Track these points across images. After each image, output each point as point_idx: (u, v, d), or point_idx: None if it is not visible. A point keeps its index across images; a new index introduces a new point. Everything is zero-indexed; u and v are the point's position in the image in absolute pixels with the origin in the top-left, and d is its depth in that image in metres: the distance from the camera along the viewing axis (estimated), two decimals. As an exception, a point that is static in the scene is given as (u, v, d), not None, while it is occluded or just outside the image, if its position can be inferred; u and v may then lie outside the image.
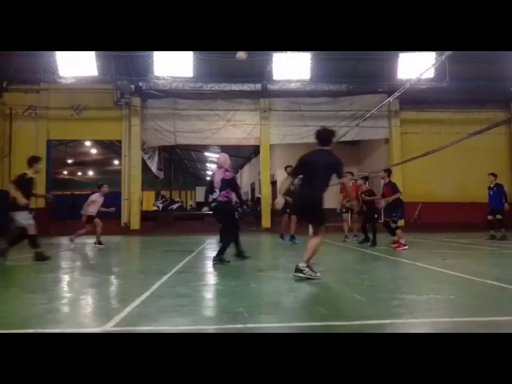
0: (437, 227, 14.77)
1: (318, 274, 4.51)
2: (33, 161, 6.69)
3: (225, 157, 6.70)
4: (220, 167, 6.53)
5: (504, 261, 6.27)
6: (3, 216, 16.47)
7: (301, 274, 4.43)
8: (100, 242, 9.75)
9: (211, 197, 6.35)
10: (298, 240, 9.46)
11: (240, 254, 6.61)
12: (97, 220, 9.76)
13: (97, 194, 9.91)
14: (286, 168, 9.66)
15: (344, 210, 11.37)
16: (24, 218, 6.37)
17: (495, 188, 10.47)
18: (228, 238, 6.40)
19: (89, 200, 9.80)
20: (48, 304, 3.54)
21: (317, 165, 4.68)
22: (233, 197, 6.43)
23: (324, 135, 4.90)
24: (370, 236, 9.06)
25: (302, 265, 4.48)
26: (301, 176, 5.00)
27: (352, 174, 12.13)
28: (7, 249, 6.40)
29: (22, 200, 6.24)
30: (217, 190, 6.23)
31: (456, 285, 4.38)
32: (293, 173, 5.14)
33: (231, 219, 6.42)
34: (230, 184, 6.31)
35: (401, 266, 6.07)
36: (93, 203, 9.73)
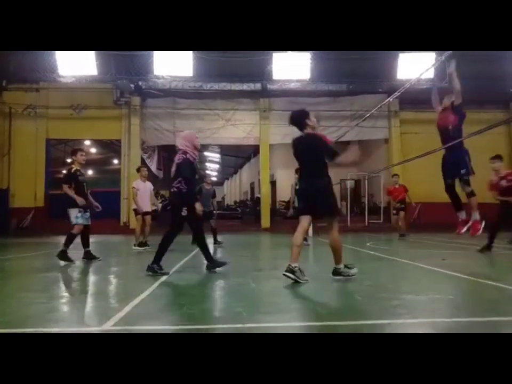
0: (436, 227, 14.78)
1: (354, 270, 4.45)
2: (72, 153, 6.78)
3: (185, 134, 5.36)
4: (178, 148, 5.23)
5: (504, 261, 6.28)
6: (2, 214, 16.46)
7: (339, 277, 4.39)
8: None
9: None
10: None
11: (212, 263, 5.26)
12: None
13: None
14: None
15: (395, 212, 11.66)
16: (74, 217, 6.41)
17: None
18: (166, 241, 5.04)
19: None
20: (48, 303, 3.54)
21: (302, 152, 4.42)
22: (183, 186, 5.02)
23: (296, 118, 4.53)
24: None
25: (338, 266, 4.43)
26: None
27: (397, 175, 12.03)
28: (65, 251, 6.41)
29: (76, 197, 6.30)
30: (175, 181, 5.09)
31: (456, 285, 4.39)
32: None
33: (177, 217, 5.05)
34: (180, 169, 5.02)
35: (400, 266, 6.07)
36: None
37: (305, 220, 4.45)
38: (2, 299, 3.78)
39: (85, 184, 6.71)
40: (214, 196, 10.14)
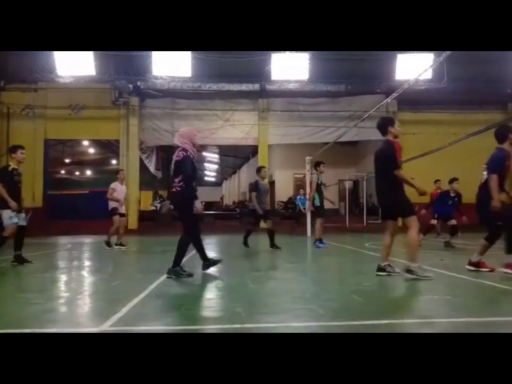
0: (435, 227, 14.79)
1: (429, 274, 4.47)
2: (12, 150, 6.23)
3: (183, 131, 5.13)
4: (177, 145, 5.02)
5: (502, 262, 6.27)
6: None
7: (412, 276, 4.38)
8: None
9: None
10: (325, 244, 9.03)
11: (207, 262, 5.22)
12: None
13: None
14: (317, 165, 9.22)
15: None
16: (7, 217, 5.89)
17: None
18: (184, 242, 4.99)
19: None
20: (45, 303, 3.54)
21: (375, 156, 4.79)
22: (185, 184, 4.84)
23: (381, 123, 4.85)
24: None
25: (412, 265, 4.41)
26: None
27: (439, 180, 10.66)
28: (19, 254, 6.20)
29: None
30: (175, 179, 4.88)
31: (454, 286, 4.39)
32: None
33: (187, 217, 4.94)
34: (181, 166, 4.81)
35: (399, 266, 6.07)
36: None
37: (389, 224, 4.80)
38: (2, 299, 3.77)
39: (20, 185, 6.20)
40: (268, 192, 9.11)
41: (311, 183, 9.80)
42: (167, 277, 4.72)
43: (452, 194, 8.94)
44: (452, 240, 8.68)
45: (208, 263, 5.18)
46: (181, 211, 4.96)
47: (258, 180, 8.37)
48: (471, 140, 6.17)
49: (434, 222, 9.40)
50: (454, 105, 17.22)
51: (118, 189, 9.20)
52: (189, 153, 4.83)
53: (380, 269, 4.78)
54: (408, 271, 4.43)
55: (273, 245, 8.44)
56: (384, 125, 4.77)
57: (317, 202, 9.08)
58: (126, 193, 9.45)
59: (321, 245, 8.85)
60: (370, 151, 19.97)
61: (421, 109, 17.50)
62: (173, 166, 4.90)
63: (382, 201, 4.82)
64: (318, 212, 9.20)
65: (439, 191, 11.34)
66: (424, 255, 7.18)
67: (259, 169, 8.35)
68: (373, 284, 4.43)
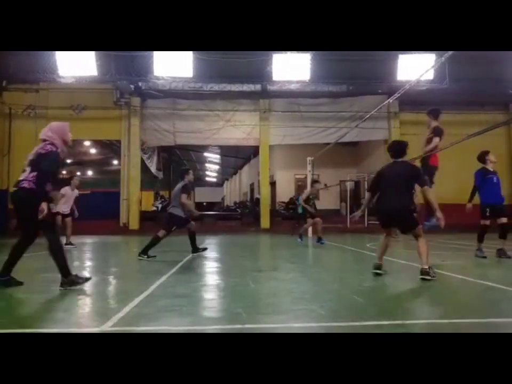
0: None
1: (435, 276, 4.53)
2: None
3: (54, 125, 4.65)
4: (43, 140, 4.33)
5: (503, 263, 6.27)
6: (2, 215, 16.47)
7: (428, 277, 4.43)
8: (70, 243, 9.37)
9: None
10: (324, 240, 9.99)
11: (67, 278, 4.12)
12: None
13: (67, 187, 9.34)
14: (314, 182, 10.79)
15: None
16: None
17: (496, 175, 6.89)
18: (17, 248, 4.14)
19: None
20: (47, 303, 3.54)
21: (397, 176, 4.88)
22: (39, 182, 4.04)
23: (398, 147, 5.16)
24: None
25: (426, 267, 4.50)
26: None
27: None
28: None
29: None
30: (26, 169, 4.16)
31: (454, 286, 4.38)
32: (371, 189, 5.23)
33: (28, 219, 4.09)
34: (44, 160, 4.08)
35: (399, 267, 6.07)
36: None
37: (392, 230, 5.23)
38: (2, 299, 3.77)
39: None
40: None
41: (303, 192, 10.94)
42: (60, 289, 4.03)
43: (491, 169, 6.86)
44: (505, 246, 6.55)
45: (71, 280, 4.13)
46: (22, 211, 4.10)
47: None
48: (473, 140, 6.15)
49: (487, 222, 6.65)
50: (455, 106, 17.18)
51: (68, 194, 9.34)
52: (57, 150, 4.24)
53: (377, 267, 4.92)
54: (425, 273, 4.47)
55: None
56: (403, 148, 5.17)
57: (300, 211, 10.30)
58: (76, 196, 9.61)
59: (301, 240, 10.21)
60: (371, 151, 20.08)
61: (422, 109, 17.43)
62: (31, 157, 4.15)
63: (396, 214, 4.85)
64: (300, 217, 10.46)
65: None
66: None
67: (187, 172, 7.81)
68: (373, 285, 4.43)
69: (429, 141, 6.88)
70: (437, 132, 6.82)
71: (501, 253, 6.53)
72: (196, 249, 7.39)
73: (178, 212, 7.05)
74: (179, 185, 7.24)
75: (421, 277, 4.46)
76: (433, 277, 4.46)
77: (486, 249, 6.66)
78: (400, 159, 5.05)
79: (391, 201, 4.82)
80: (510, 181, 17.57)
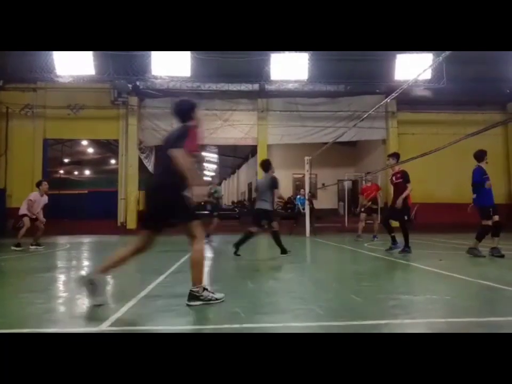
0: (433, 228, 14.81)
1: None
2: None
3: None
4: None
5: (500, 262, 6.29)
6: (1, 215, 16.34)
7: (197, 302, 3.35)
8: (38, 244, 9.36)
9: None
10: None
11: None
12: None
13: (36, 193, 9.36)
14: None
15: (363, 210, 11.30)
16: None
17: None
18: None
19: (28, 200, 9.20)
20: (45, 303, 3.53)
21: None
22: None
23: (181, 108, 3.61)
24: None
25: (194, 289, 3.39)
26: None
27: (370, 173, 11.98)
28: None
29: None
30: None
31: (452, 286, 4.40)
32: None
33: None
34: None
35: (397, 266, 6.08)
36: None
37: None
38: (1, 299, 3.76)
39: None
40: None
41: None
42: None
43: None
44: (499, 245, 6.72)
45: None
46: None
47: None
48: (470, 140, 6.17)
49: (489, 222, 6.68)
50: (453, 106, 17.25)
51: (37, 200, 9.31)
52: None
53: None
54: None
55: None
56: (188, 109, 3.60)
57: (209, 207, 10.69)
58: (45, 202, 9.51)
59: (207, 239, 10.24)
60: (369, 151, 20.10)
61: (420, 109, 17.52)
62: None
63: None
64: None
65: (368, 184, 11.24)
66: (423, 255, 7.19)
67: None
68: (372, 284, 4.43)
69: (399, 185, 7.45)
70: (407, 177, 7.42)
71: (494, 251, 6.62)
72: (284, 250, 6.99)
73: (269, 206, 6.96)
74: (266, 179, 6.98)
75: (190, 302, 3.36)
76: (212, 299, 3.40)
77: (480, 247, 6.69)
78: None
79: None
80: (506, 181, 17.64)
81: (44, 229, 9.39)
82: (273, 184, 6.84)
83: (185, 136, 3.35)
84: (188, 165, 3.25)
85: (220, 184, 12.20)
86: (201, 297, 3.38)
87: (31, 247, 9.14)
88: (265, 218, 6.94)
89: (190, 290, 3.40)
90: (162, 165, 3.46)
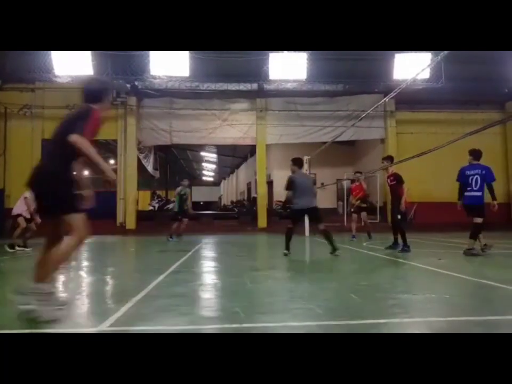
0: (432, 227, 14.83)
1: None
2: None
3: None
4: None
5: (499, 260, 6.31)
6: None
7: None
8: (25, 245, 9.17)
9: None
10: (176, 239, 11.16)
11: None
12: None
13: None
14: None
15: (353, 210, 11.27)
16: None
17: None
18: None
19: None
20: (44, 304, 3.52)
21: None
22: None
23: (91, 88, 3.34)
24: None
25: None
26: None
27: (360, 173, 12.04)
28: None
29: None
30: None
31: (451, 285, 4.40)
32: None
33: None
34: None
35: (396, 265, 6.09)
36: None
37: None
38: (1, 300, 3.77)
39: None
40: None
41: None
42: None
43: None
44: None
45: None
46: None
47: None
48: (469, 139, 6.18)
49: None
50: (451, 105, 17.26)
51: (31, 198, 9.20)
52: None
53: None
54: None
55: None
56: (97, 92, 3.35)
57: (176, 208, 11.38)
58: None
59: (171, 239, 11.15)
60: (368, 150, 20.11)
61: (419, 108, 17.54)
62: None
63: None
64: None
65: (357, 183, 11.45)
66: (422, 254, 7.21)
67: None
68: (371, 283, 4.44)
69: (393, 187, 7.81)
70: (400, 179, 7.78)
71: (474, 251, 6.70)
72: (334, 248, 6.79)
73: (315, 203, 6.87)
74: (307, 176, 6.91)
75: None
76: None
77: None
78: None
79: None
80: (504, 180, 17.66)
81: (35, 230, 9.09)
82: (314, 181, 6.75)
83: (86, 118, 3.01)
84: (91, 149, 2.99)
85: (189, 186, 12.55)
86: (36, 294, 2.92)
87: (18, 248, 8.88)
88: (314, 217, 6.79)
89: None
90: (49, 149, 3.14)
